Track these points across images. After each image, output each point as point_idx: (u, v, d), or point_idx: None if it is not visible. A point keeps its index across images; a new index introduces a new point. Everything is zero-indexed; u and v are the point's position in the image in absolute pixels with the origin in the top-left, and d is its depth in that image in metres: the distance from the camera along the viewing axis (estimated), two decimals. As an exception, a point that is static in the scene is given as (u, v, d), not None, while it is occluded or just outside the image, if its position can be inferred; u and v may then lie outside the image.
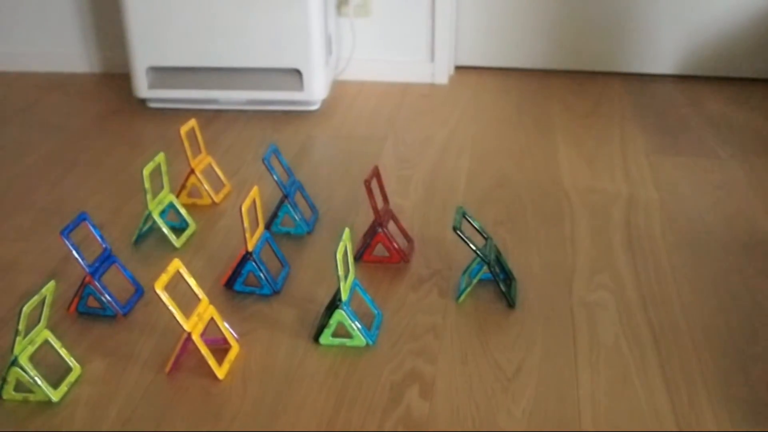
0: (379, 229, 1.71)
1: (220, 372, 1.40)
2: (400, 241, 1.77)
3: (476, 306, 1.59)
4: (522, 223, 1.91)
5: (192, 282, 1.42)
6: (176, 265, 1.38)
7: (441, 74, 2.88)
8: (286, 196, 1.84)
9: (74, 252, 1.51)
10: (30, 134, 2.47)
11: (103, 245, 1.61)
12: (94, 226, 1.59)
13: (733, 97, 2.70)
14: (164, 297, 1.32)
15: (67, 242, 1.49)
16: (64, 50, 3.00)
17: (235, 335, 1.49)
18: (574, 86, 2.82)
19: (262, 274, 1.62)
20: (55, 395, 1.35)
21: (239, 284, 1.65)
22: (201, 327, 1.40)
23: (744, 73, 2.85)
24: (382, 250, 1.75)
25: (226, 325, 1.47)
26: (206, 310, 1.43)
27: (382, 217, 1.72)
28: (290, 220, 1.88)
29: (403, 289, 1.66)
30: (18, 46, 3.01)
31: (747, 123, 2.48)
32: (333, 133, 2.46)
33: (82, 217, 1.55)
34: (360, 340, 1.47)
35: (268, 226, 1.87)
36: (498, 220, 1.92)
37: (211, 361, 1.39)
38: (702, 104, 2.64)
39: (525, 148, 2.32)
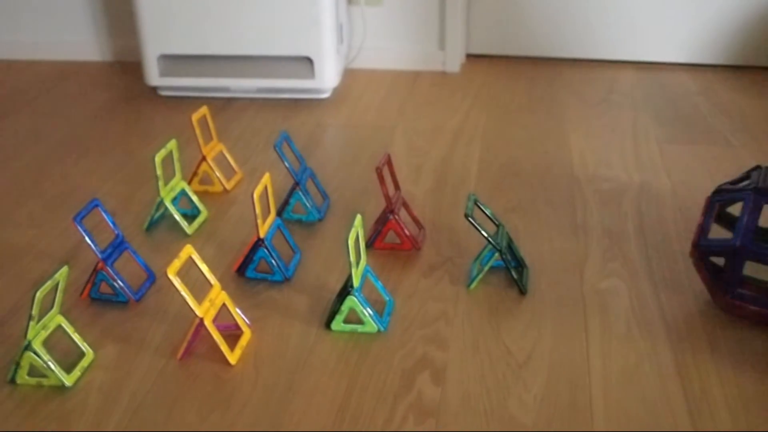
0: (391, 216, 1.71)
1: (232, 357, 1.41)
2: (411, 229, 1.77)
3: (487, 293, 1.59)
4: (533, 210, 1.90)
5: (204, 268, 1.42)
6: (188, 251, 1.38)
7: (452, 62, 2.87)
8: (297, 183, 1.84)
9: (87, 238, 1.52)
10: (42, 122, 2.48)
11: (116, 231, 1.62)
12: (106, 213, 1.59)
13: (746, 85, 2.69)
14: (177, 283, 1.32)
15: (80, 228, 1.50)
16: (76, 38, 3.00)
17: (247, 321, 1.50)
18: (585, 75, 2.81)
19: (273, 261, 1.62)
20: (68, 380, 1.36)
21: (251, 271, 1.65)
22: (213, 313, 1.40)
23: (757, 62, 2.83)
24: (393, 237, 1.75)
25: (238, 310, 1.47)
26: (218, 295, 1.43)
27: (393, 204, 1.72)
28: (302, 207, 1.88)
29: (415, 276, 1.66)
30: (29, 34, 3.01)
31: (759, 112, 2.47)
32: (344, 121, 2.46)
33: (94, 204, 1.56)
34: (371, 326, 1.47)
35: (279, 213, 1.87)
36: (509, 207, 1.92)
37: (224, 347, 1.40)
38: (714, 93, 2.62)
39: (536, 136, 2.31)
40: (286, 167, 1.82)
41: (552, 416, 1.28)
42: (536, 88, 2.70)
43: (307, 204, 1.85)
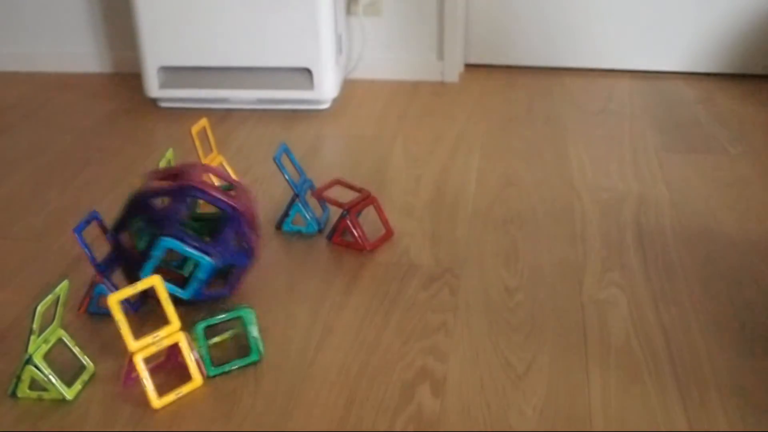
0: (346, 215, 1.79)
1: (157, 403, 1.35)
2: (377, 230, 1.85)
3: (487, 304, 1.60)
4: (532, 221, 1.91)
5: (169, 309, 1.38)
6: (153, 281, 1.36)
7: (451, 72, 2.88)
8: (297, 195, 1.85)
9: (86, 250, 1.52)
10: (42, 134, 2.48)
11: (116, 244, 1.62)
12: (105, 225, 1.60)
13: (744, 94, 2.70)
14: (116, 312, 1.30)
15: (79, 240, 1.50)
16: (76, 50, 3.01)
17: (203, 371, 1.41)
18: (584, 84, 2.81)
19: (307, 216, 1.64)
20: (69, 393, 1.36)
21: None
22: (153, 350, 1.36)
23: (755, 70, 2.84)
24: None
25: (195, 356, 1.40)
26: (171, 335, 1.38)
27: (348, 205, 1.79)
28: (301, 219, 1.88)
29: (414, 288, 1.66)
30: (30, 46, 3.02)
31: (758, 120, 2.47)
32: (343, 131, 2.47)
33: (93, 216, 1.56)
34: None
35: (279, 225, 1.88)
36: (508, 218, 1.92)
37: (149, 388, 1.35)
38: (712, 101, 2.63)
39: (535, 146, 2.32)
40: (286, 179, 1.82)
41: (551, 427, 1.29)
42: (535, 97, 2.71)
43: (307, 216, 1.86)
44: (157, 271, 1.50)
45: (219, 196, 1.53)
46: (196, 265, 1.51)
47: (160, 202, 1.54)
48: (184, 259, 1.59)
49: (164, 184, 1.54)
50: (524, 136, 2.39)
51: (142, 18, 2.51)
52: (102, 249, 1.76)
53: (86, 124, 2.56)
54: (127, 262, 1.55)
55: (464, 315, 1.57)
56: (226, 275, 1.58)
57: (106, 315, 1.58)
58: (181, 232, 1.48)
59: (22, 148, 2.39)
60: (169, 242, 1.47)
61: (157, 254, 1.48)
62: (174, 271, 1.56)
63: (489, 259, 1.75)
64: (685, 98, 2.67)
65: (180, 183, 1.53)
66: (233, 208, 1.53)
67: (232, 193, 1.60)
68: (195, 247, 1.48)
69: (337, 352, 1.47)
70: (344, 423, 1.31)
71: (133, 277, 1.54)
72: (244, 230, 1.55)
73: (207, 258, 1.48)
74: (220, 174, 1.63)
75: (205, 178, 1.62)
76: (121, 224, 1.55)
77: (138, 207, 1.53)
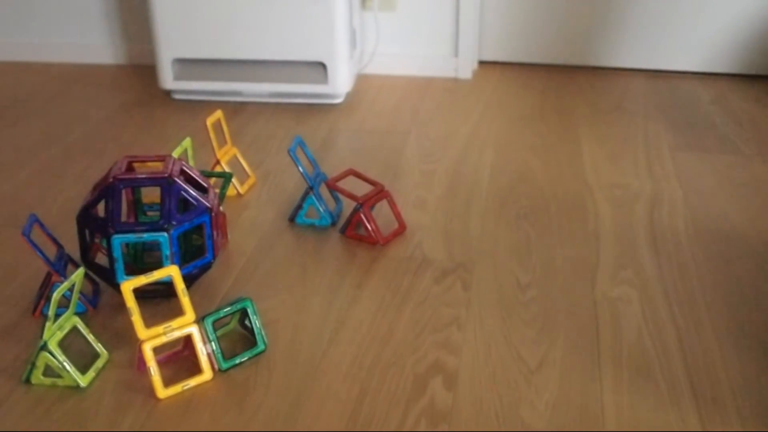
0: (360, 209, 1.79)
1: (162, 393, 1.36)
2: (390, 225, 1.86)
3: (499, 298, 1.60)
4: (545, 217, 1.91)
5: (184, 300, 1.38)
6: (171, 270, 1.37)
7: (465, 69, 2.88)
8: (311, 188, 1.85)
9: (37, 251, 1.48)
10: (56, 125, 2.49)
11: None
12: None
13: (758, 94, 2.69)
14: (129, 300, 1.31)
15: (28, 242, 1.46)
16: (90, 42, 3.02)
17: (214, 366, 1.41)
18: (597, 82, 2.81)
19: (321, 208, 1.63)
20: (83, 380, 1.37)
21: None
22: (163, 340, 1.36)
23: (770, 71, 2.84)
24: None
25: (208, 349, 1.40)
26: (183, 327, 1.38)
27: (362, 199, 1.79)
28: (315, 212, 1.89)
29: (427, 282, 1.66)
30: (44, 37, 3.04)
31: (772, 121, 2.47)
32: (356, 126, 2.47)
33: (33, 219, 1.52)
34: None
35: (292, 218, 1.88)
36: (521, 214, 1.92)
37: (155, 377, 1.36)
38: (726, 101, 2.63)
39: (548, 144, 2.32)
40: (300, 172, 1.83)
41: (563, 422, 1.29)
42: (548, 95, 2.70)
43: (320, 208, 1.86)
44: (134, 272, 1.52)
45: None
46: (160, 245, 1.52)
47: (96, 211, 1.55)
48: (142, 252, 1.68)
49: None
50: (538, 133, 2.39)
51: (157, 10, 2.52)
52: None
53: (100, 115, 2.57)
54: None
55: (477, 309, 1.57)
56: (201, 247, 1.61)
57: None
58: (126, 224, 1.49)
59: (36, 138, 2.40)
60: (120, 237, 1.48)
61: (117, 254, 1.49)
62: (150, 267, 1.60)
63: (502, 254, 1.76)
64: (700, 98, 2.66)
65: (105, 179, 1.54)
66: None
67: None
68: (145, 230, 1.49)
69: (349, 345, 1.47)
70: (356, 415, 1.31)
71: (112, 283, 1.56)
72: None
73: (161, 233, 1.49)
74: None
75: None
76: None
77: (82, 222, 1.54)
